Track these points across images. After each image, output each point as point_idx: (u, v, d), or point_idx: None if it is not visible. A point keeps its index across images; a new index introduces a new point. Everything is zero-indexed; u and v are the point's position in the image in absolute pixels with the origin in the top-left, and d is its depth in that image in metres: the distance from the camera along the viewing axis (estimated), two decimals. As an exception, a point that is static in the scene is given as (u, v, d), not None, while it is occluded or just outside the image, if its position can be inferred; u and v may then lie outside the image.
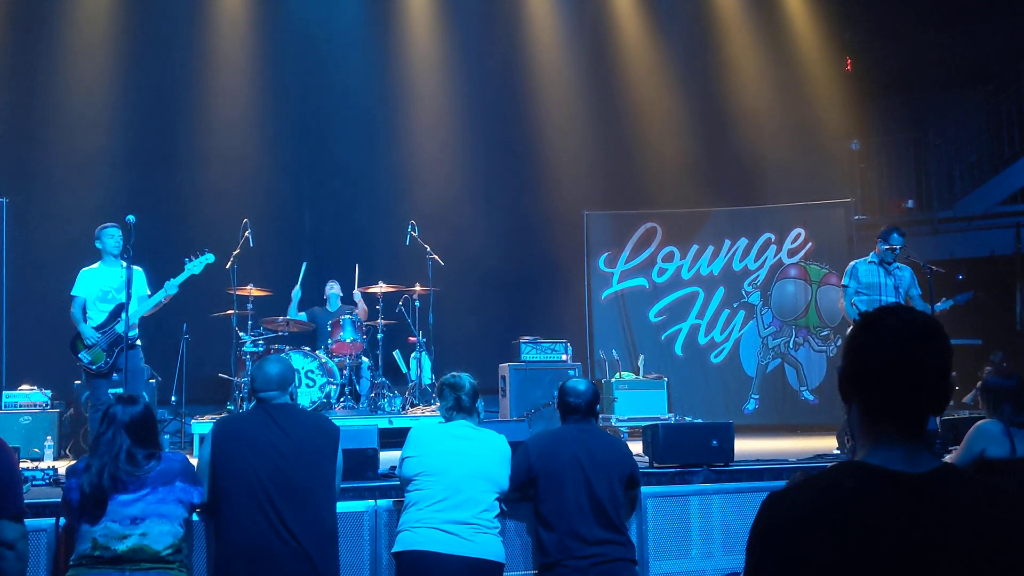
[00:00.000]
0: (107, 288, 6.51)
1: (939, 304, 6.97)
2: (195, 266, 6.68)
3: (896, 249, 7.11)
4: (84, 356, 6.40)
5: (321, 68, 10.34)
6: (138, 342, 6.46)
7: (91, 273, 6.56)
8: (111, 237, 6.53)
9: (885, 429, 1.56)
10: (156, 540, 3.58)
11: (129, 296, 6.02)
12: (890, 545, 1.44)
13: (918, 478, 1.50)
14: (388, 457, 5.30)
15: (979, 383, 9.90)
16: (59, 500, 3.84)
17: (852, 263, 7.44)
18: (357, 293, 9.17)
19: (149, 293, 6.55)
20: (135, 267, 6.22)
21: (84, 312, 6.48)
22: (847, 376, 1.61)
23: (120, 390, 6.15)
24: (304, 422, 4.03)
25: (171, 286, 6.51)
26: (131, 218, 6.04)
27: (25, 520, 3.50)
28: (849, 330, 1.67)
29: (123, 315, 6.08)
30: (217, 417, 7.22)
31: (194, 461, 4.07)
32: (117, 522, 3.55)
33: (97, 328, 6.43)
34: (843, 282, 7.44)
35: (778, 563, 1.49)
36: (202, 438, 6.91)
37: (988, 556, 1.43)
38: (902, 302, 7.05)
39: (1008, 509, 1.49)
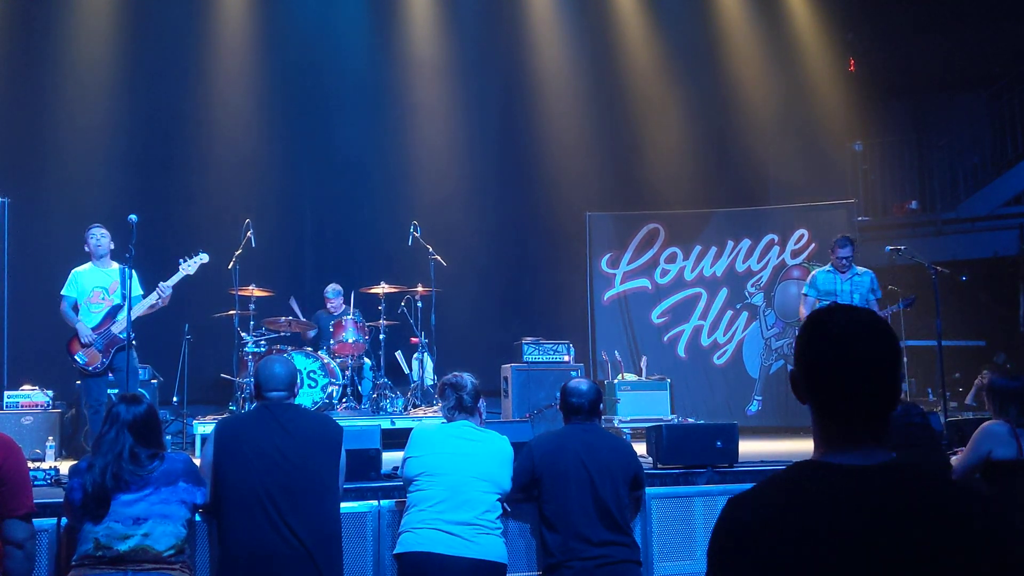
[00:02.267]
0: (98, 288, 6.48)
1: (884, 311, 7.49)
2: (189, 267, 6.65)
3: (844, 259, 7.52)
4: (80, 357, 6.37)
5: (323, 69, 10.33)
6: (134, 342, 6.44)
7: (82, 274, 6.52)
8: (102, 238, 6.50)
9: (838, 429, 1.56)
10: (158, 540, 3.55)
11: (125, 296, 5.99)
12: (846, 535, 1.42)
13: (871, 470, 1.50)
14: (391, 458, 5.28)
15: (976, 383, 9.96)
16: (60, 500, 3.82)
17: (812, 273, 7.92)
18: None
19: (143, 293, 6.53)
20: (128, 268, 6.18)
21: (76, 312, 6.45)
22: (798, 376, 1.61)
23: (116, 390, 6.13)
24: (307, 422, 4.01)
25: (164, 288, 6.47)
26: (133, 217, 5.99)
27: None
28: (797, 332, 1.67)
29: (120, 316, 6.05)
30: (219, 418, 7.20)
31: (197, 461, 4.05)
32: (119, 522, 3.53)
33: (93, 330, 6.40)
34: (803, 291, 7.86)
35: (739, 567, 1.47)
36: (204, 439, 6.91)
37: (942, 549, 1.42)
38: (862, 306, 7.29)
39: (972, 506, 1.46)
